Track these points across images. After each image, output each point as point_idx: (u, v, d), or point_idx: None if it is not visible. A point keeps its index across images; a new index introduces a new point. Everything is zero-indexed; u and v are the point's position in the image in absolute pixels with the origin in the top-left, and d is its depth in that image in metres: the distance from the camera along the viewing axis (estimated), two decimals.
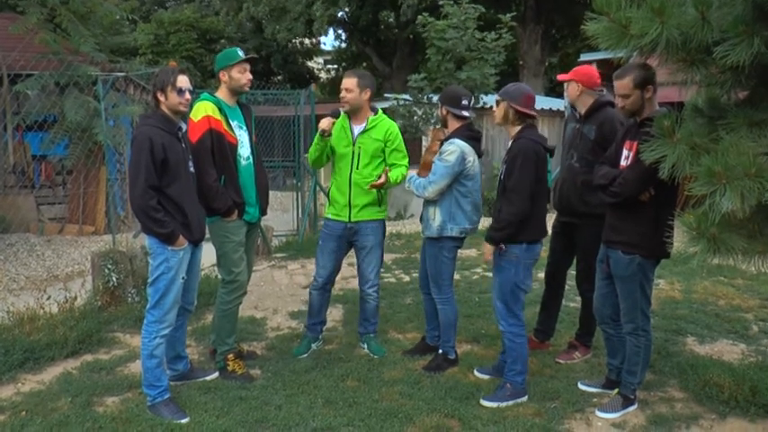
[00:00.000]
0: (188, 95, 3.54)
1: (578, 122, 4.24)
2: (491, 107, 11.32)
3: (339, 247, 4.49)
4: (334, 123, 4.27)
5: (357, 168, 4.32)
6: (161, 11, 26.45)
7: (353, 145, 4.32)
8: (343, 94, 4.29)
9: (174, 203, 3.53)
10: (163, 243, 3.52)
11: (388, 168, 4.32)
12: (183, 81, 3.53)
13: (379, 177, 4.26)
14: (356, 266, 4.62)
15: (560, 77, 4.38)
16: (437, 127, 4.47)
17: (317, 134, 4.25)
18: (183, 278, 3.62)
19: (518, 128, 3.76)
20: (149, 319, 3.61)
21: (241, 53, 4.10)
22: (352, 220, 4.38)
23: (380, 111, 4.44)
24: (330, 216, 4.48)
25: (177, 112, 3.56)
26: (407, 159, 4.46)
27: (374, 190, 4.34)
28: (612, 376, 3.90)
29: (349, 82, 4.28)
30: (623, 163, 3.47)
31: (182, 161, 3.56)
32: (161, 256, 3.54)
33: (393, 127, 4.40)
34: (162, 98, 3.53)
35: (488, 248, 3.78)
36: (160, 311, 3.59)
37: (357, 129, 4.34)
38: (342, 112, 4.34)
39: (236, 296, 4.19)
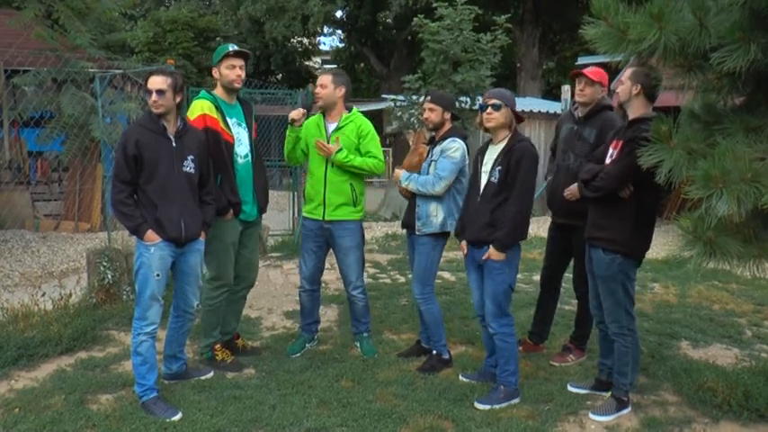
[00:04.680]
0: (155, 96, 3.53)
1: (576, 124, 4.25)
2: None
3: (319, 246, 4.50)
4: (304, 114, 4.30)
5: (332, 167, 4.32)
6: (162, 9, 26.39)
7: (327, 143, 4.32)
8: (317, 90, 4.32)
9: (150, 200, 3.59)
10: (137, 238, 3.61)
11: (338, 139, 4.26)
12: (152, 82, 3.55)
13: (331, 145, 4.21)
14: (338, 270, 4.62)
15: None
16: (419, 130, 4.49)
17: (288, 125, 4.29)
18: (157, 275, 3.63)
19: (509, 132, 3.80)
20: (135, 315, 3.69)
21: (231, 48, 4.08)
22: (327, 218, 4.37)
23: (355, 110, 4.46)
24: (305, 214, 4.52)
25: (152, 111, 3.60)
26: (380, 149, 4.47)
27: (348, 188, 4.34)
28: (603, 377, 3.92)
29: (324, 78, 4.32)
30: (608, 161, 3.55)
31: (164, 159, 3.58)
32: (137, 251, 3.65)
33: (366, 124, 4.40)
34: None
35: (500, 255, 3.73)
36: (141, 308, 3.65)
37: (331, 126, 4.36)
38: (315, 107, 4.40)
39: (221, 293, 4.21)
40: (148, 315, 3.64)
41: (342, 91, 4.32)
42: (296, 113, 4.28)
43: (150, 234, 3.57)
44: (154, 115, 3.59)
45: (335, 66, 33.44)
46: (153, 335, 3.67)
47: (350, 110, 4.41)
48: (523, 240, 3.86)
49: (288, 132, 4.36)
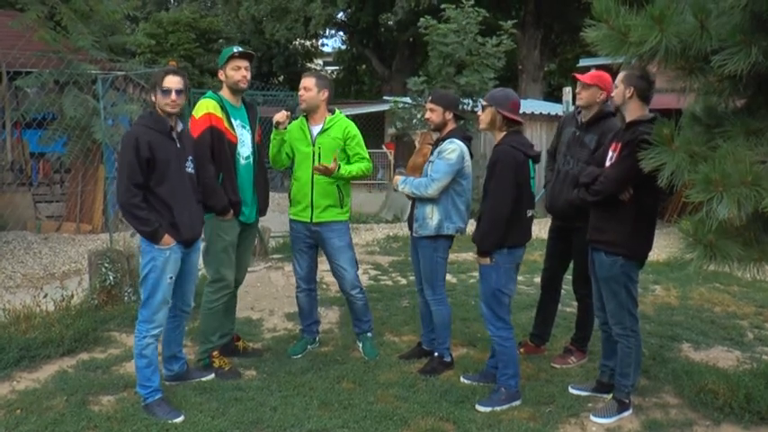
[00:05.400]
0: (174, 96, 3.53)
1: (578, 129, 4.24)
2: None
3: (309, 246, 4.51)
4: (288, 116, 4.29)
5: None
6: (162, 12, 26.44)
7: (313, 145, 4.32)
8: (301, 92, 4.32)
9: (163, 202, 3.55)
10: (149, 241, 3.54)
11: (336, 157, 4.25)
12: (171, 82, 3.54)
13: (330, 163, 4.21)
14: (331, 272, 4.60)
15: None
16: (424, 131, 4.46)
17: (273, 128, 4.28)
18: (170, 278, 3.61)
19: (503, 134, 3.77)
20: (139, 318, 3.64)
21: (235, 50, 4.09)
22: (315, 221, 4.37)
23: (338, 111, 4.46)
24: (292, 216, 4.51)
25: (166, 112, 3.58)
26: (366, 150, 4.47)
27: (335, 190, 4.33)
28: (604, 379, 3.92)
29: (307, 81, 4.32)
30: (608, 164, 3.55)
31: (173, 160, 3.57)
32: (148, 255, 3.57)
33: (351, 126, 4.41)
34: (153, 99, 3.57)
35: (481, 259, 3.78)
36: (148, 311, 3.60)
37: (315, 129, 4.35)
38: (298, 110, 4.39)
39: (222, 295, 4.19)
40: (156, 318, 3.62)
41: (325, 94, 4.32)
42: (280, 116, 4.26)
43: (167, 238, 3.54)
44: (160, 116, 3.57)
45: (337, 67, 33.54)
46: (158, 337, 3.67)
47: (333, 112, 4.42)
48: (511, 246, 3.75)
49: (273, 135, 4.34)
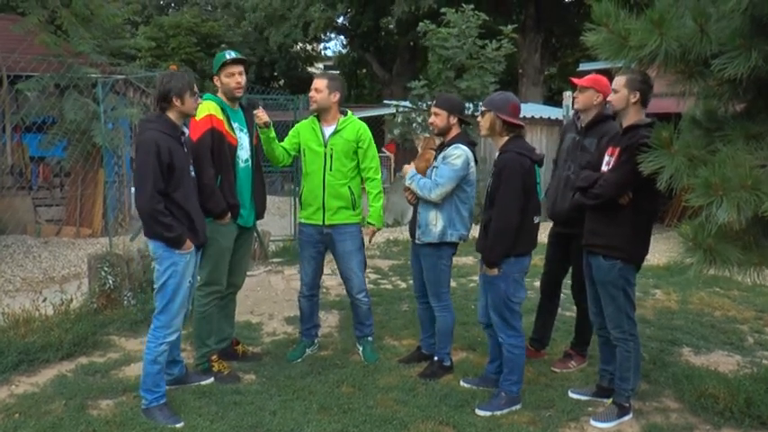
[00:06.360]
0: (199, 99, 3.61)
1: (578, 134, 4.24)
2: None
3: (318, 252, 4.49)
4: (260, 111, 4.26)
5: (330, 170, 4.30)
6: (163, 17, 26.49)
7: (325, 147, 4.31)
8: (312, 93, 4.31)
9: (180, 208, 3.54)
10: (170, 247, 3.52)
11: (369, 235, 4.49)
12: (195, 86, 3.61)
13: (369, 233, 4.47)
14: (339, 274, 4.59)
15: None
16: (427, 135, 4.44)
17: (258, 128, 4.25)
18: (189, 282, 3.62)
19: (505, 139, 3.73)
20: (156, 324, 3.59)
21: (228, 55, 4.06)
22: (327, 223, 4.35)
23: (350, 113, 4.45)
24: (303, 220, 4.48)
25: (189, 115, 3.61)
26: (378, 161, 4.48)
27: (347, 192, 4.34)
28: (604, 383, 3.91)
29: (319, 82, 4.31)
30: (604, 168, 3.53)
31: (185, 165, 3.57)
32: (168, 261, 3.54)
33: (363, 128, 4.40)
34: (178, 103, 3.52)
35: (489, 270, 3.74)
36: (167, 317, 3.58)
37: (328, 130, 4.34)
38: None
39: (212, 299, 4.17)
40: (174, 323, 3.60)
41: (336, 96, 4.31)
42: (265, 118, 4.20)
43: (189, 242, 3.54)
44: (173, 121, 3.56)
45: (338, 71, 33.61)
46: (172, 343, 3.67)
47: (345, 113, 4.41)
48: (518, 254, 3.73)
49: (260, 132, 4.30)
